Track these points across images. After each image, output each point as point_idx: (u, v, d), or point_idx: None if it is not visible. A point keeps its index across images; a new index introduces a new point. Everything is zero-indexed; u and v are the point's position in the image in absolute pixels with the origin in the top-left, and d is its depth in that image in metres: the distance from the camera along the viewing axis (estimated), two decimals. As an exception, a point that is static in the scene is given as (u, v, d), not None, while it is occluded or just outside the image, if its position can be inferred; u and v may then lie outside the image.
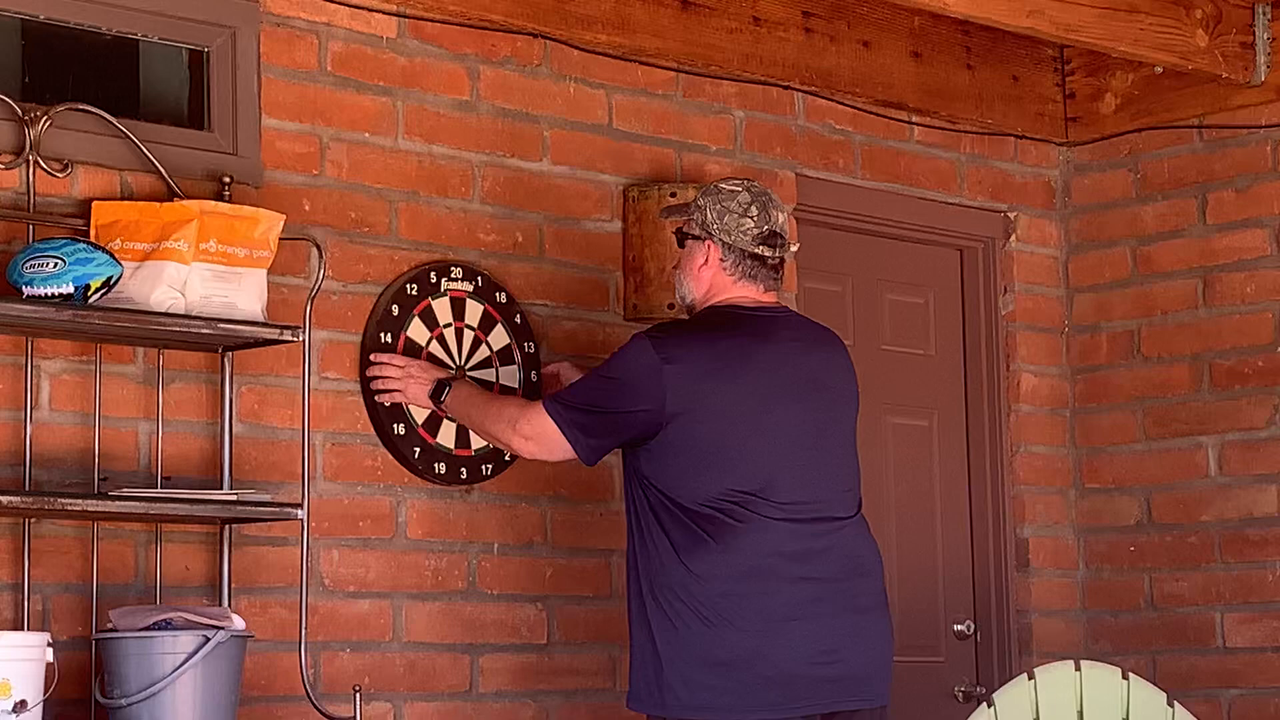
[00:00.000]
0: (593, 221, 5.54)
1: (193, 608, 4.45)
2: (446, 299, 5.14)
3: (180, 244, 4.44)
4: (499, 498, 5.27)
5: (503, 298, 5.25)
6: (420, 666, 5.09)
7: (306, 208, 4.98)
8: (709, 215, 4.65)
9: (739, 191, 4.65)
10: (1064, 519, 6.55)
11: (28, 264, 4.28)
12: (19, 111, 4.50)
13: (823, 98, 6.06)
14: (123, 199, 4.63)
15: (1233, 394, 6.24)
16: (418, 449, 5.06)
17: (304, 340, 4.64)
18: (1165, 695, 5.30)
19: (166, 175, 4.65)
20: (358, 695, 4.55)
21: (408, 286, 5.07)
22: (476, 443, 5.13)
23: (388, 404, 4.96)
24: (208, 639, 4.32)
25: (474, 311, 5.18)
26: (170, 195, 4.64)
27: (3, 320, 4.30)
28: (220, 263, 4.49)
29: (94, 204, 4.55)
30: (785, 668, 4.38)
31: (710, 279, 4.66)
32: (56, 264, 4.27)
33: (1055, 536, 6.52)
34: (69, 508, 4.30)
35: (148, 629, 4.32)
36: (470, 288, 5.17)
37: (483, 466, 5.19)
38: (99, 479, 4.54)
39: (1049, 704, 5.16)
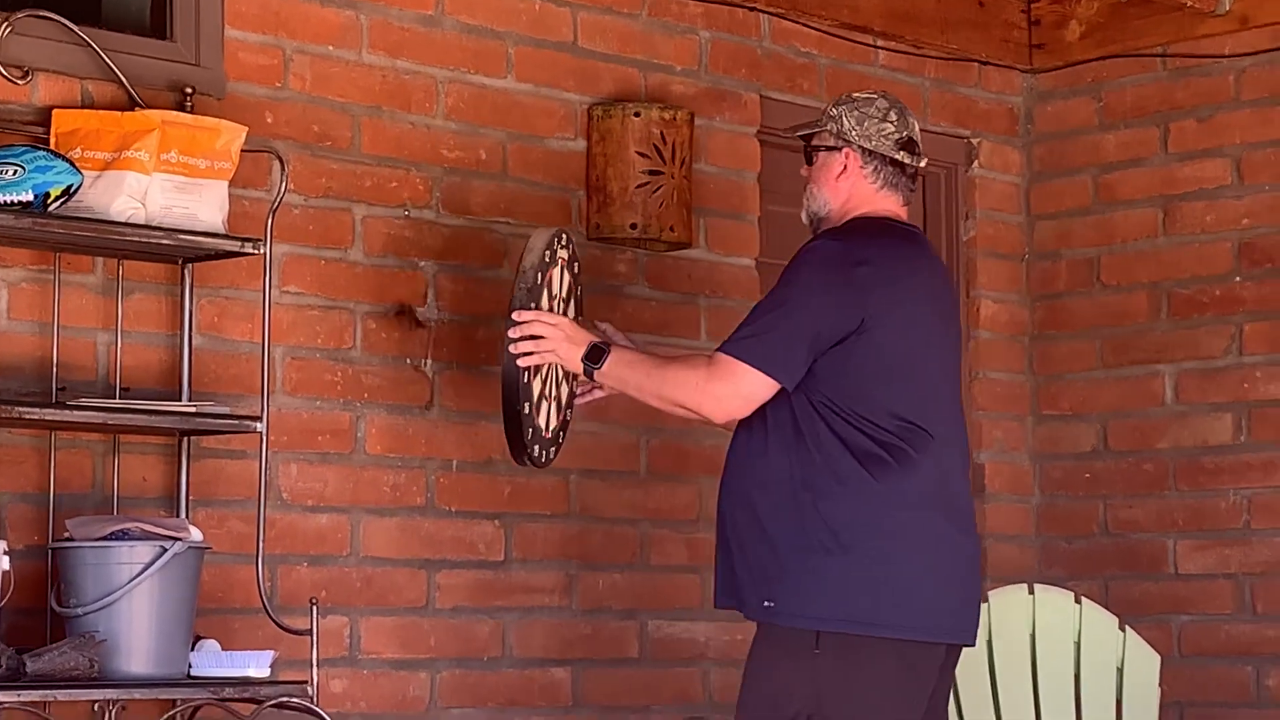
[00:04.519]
0: (556, 140, 5.53)
1: (150, 519, 4.45)
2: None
3: (141, 154, 4.42)
4: (458, 415, 5.28)
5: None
6: (377, 581, 5.11)
7: (269, 120, 4.96)
8: (846, 123, 4.40)
9: (876, 99, 4.44)
10: (1021, 445, 6.58)
11: (-13, 171, 4.26)
12: (-21, 18, 4.47)
13: (789, 20, 6.05)
14: (84, 108, 4.60)
15: (1190, 323, 6.27)
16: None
17: (265, 253, 4.62)
18: (1117, 620, 5.36)
19: (128, 85, 4.63)
20: (314, 608, 4.56)
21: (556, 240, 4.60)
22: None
23: (531, 366, 4.45)
24: (165, 550, 4.32)
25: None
26: (131, 105, 4.61)
27: (-39, 227, 4.28)
28: (181, 174, 4.47)
29: (54, 112, 4.53)
30: (943, 593, 4.23)
31: (849, 189, 4.41)
32: (16, 171, 4.24)
33: (1011, 462, 6.56)
34: (26, 416, 4.29)
35: (105, 539, 4.32)
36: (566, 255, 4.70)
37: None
38: (57, 389, 4.53)
39: (1002, 627, 5.23)
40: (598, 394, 4.62)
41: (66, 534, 4.39)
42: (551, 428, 4.60)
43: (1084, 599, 5.30)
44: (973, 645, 4.34)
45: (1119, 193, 6.44)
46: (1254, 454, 6.13)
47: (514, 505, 5.37)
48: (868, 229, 4.34)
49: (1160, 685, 5.11)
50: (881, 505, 4.17)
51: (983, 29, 6.44)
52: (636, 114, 5.50)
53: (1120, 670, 5.25)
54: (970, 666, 4.97)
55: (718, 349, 4.27)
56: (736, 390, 4.21)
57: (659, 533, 5.66)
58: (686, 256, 5.75)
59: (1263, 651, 6.06)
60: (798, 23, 6.07)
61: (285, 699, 4.50)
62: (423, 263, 5.25)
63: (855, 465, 4.17)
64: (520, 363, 4.37)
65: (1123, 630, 5.31)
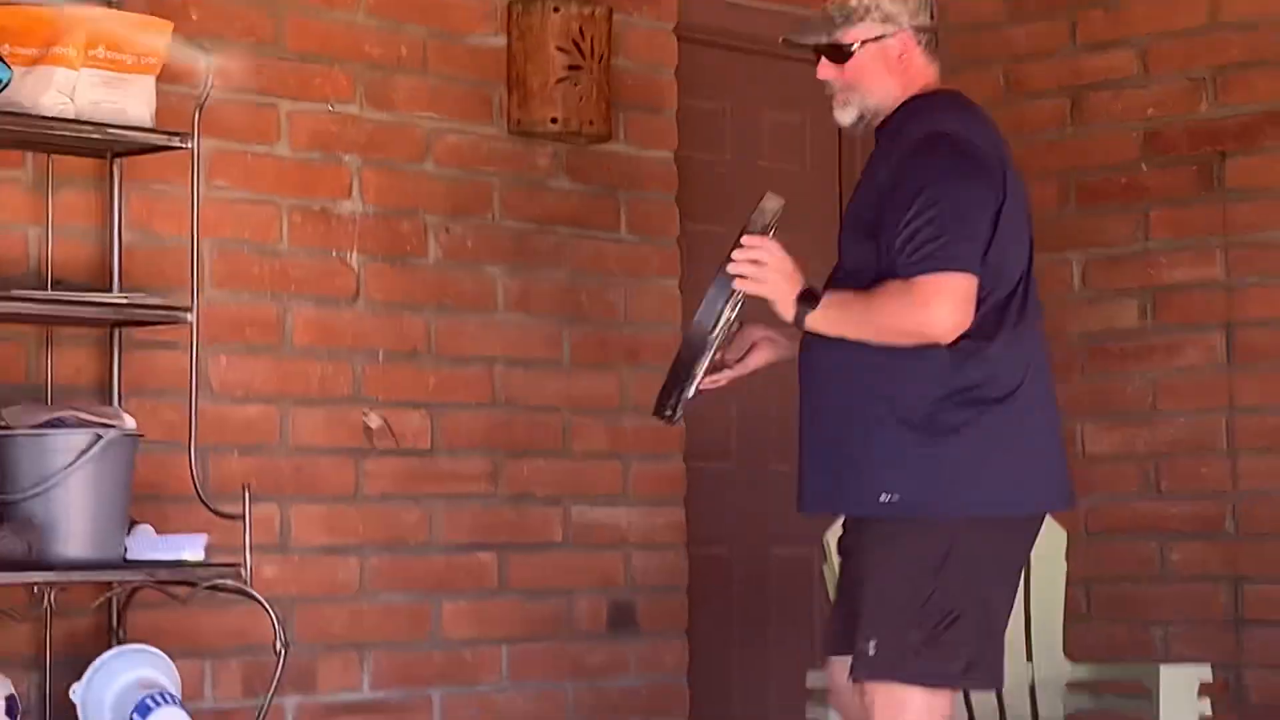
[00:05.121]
0: (477, 36, 5.62)
1: (85, 406, 4.55)
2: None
3: (68, 50, 4.47)
4: (384, 307, 5.39)
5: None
6: (306, 470, 5.22)
7: (194, 17, 5.02)
8: (889, 6, 4.17)
9: None
10: (934, 333, 6.71)
11: (-85, 68, 4.32)
12: (-97, -86, 4.51)
13: (706, -83, 6.15)
14: (9, 4, 4.65)
15: (1098, 211, 6.42)
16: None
17: (193, 148, 4.70)
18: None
19: (54, -18, 4.68)
20: (246, 493, 4.66)
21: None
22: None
23: (748, 291, 4.14)
24: (100, 437, 4.42)
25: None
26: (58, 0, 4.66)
27: (-108, 123, 4.34)
28: (109, 69, 4.53)
29: (-19, 10, 4.58)
30: (1058, 463, 4.22)
31: (910, 71, 4.20)
32: (-55, 68, 4.30)
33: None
34: (-43, 309, 4.37)
35: (40, 426, 4.42)
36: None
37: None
38: (-12, 282, 4.61)
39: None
40: (728, 376, 4.41)
41: (2, 422, 4.47)
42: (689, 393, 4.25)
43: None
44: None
45: (1028, 84, 6.57)
46: (1159, 338, 6.29)
47: (440, 395, 5.48)
48: (953, 108, 4.22)
49: (1066, 561, 5.27)
50: (1007, 367, 4.08)
51: (895, -75, 6.52)
52: (556, 9, 5.59)
53: None
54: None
55: (913, 268, 4.00)
56: (954, 301, 3.99)
57: (582, 420, 5.79)
58: (606, 150, 5.85)
59: (1167, 528, 6.25)
60: (719, -80, 6.16)
61: (219, 581, 4.62)
62: (347, 157, 5.34)
63: (975, 340, 4.05)
64: (736, 284, 4.08)
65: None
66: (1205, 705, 4.84)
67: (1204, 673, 4.86)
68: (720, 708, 6.17)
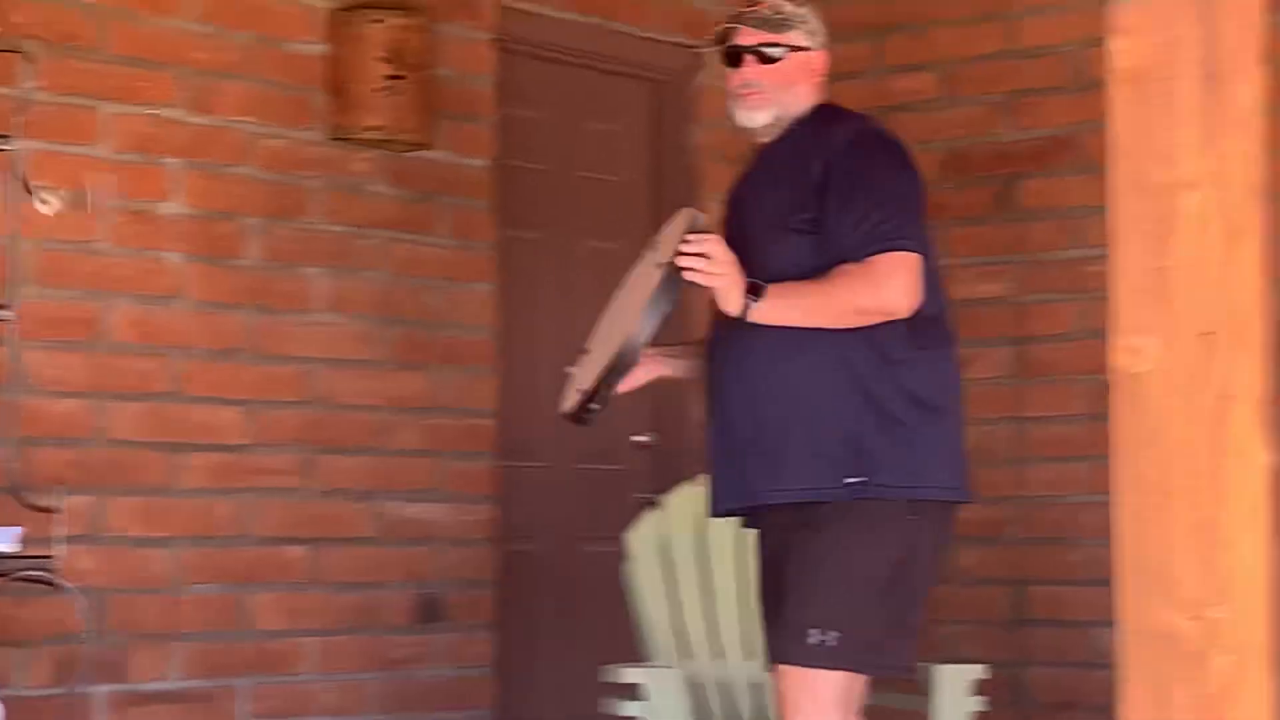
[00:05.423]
0: (300, 43, 5.76)
1: (-99, 401, 4.65)
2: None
3: (-109, 53, 4.57)
4: (203, 306, 5.52)
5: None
6: (123, 463, 5.35)
7: (17, 20, 5.13)
8: (814, 24, 4.38)
9: None
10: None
11: None
12: None
13: (527, -68, 6.31)
14: None
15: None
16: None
17: (14, 149, 4.81)
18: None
19: (-121, -15, 4.79)
20: (61, 487, 4.76)
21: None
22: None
23: (700, 283, 4.14)
24: (-85, 431, 4.53)
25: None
26: (-117, 5, 4.77)
27: None
28: (-69, 73, 4.63)
29: None
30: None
31: (818, 87, 4.41)
32: None
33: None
34: None
35: None
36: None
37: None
38: None
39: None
40: (653, 373, 4.40)
41: None
42: (585, 388, 4.21)
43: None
44: None
45: (837, 103, 6.78)
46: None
47: (256, 392, 5.63)
48: (868, 116, 4.41)
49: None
50: (952, 370, 4.28)
51: (712, -56, 6.73)
52: (378, 20, 5.75)
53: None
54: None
55: (871, 252, 4.12)
56: (910, 276, 4.12)
57: (396, 419, 5.95)
58: (424, 157, 6.01)
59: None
60: (536, -65, 6.33)
61: (31, 572, 4.74)
62: (168, 160, 5.47)
63: (928, 335, 4.22)
64: (686, 275, 4.06)
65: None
66: (979, 702, 5.07)
67: (978, 671, 5.09)
68: (526, 700, 6.33)
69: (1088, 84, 6.17)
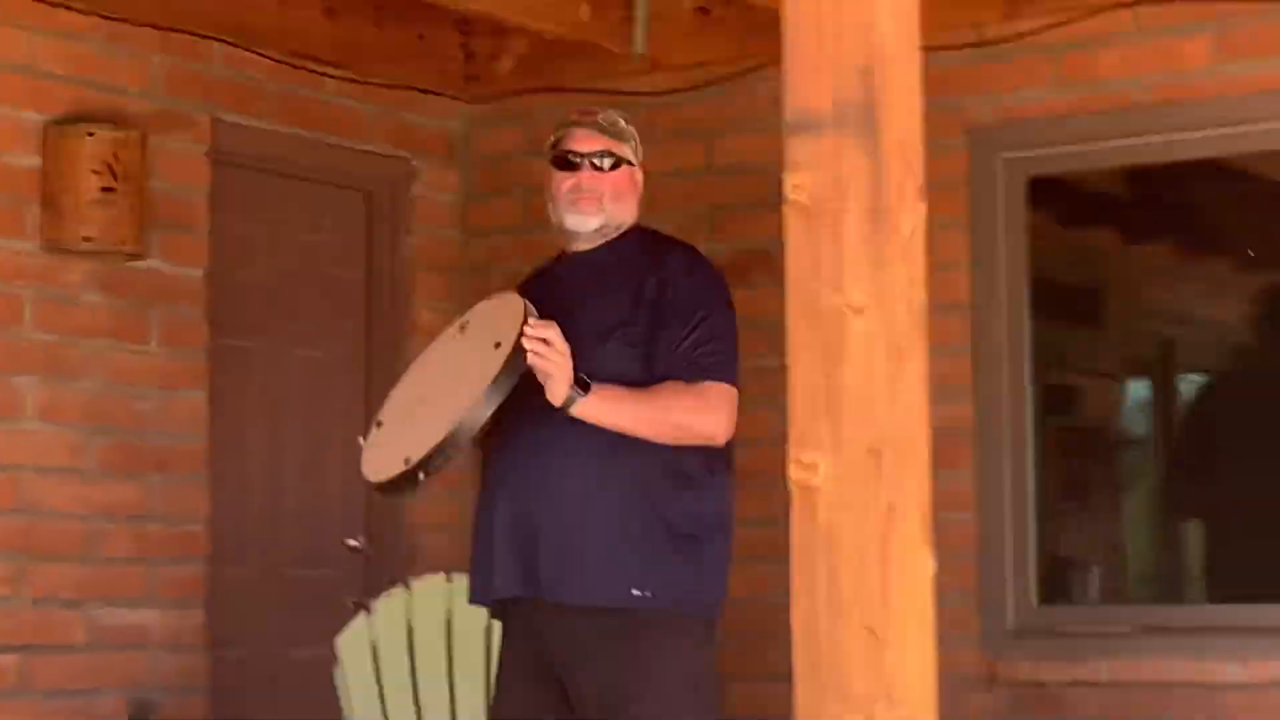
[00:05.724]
0: (13, 156, 5.83)
1: None
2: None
3: None
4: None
5: None
6: None
7: None
8: (638, 144, 4.56)
9: None
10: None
11: None
12: None
13: (242, 48, 6.42)
14: None
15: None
16: None
17: None
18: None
19: None
20: None
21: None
22: None
23: (539, 368, 4.23)
24: None
25: None
26: None
27: None
28: None
29: None
30: None
31: (639, 203, 4.57)
32: None
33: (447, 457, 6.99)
34: None
35: None
36: None
37: None
38: None
39: (422, 611, 5.65)
40: None
41: None
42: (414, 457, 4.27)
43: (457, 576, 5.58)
44: None
45: (544, 214, 6.97)
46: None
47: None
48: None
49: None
50: (729, 495, 4.49)
51: (422, 60, 6.90)
52: (91, 134, 5.83)
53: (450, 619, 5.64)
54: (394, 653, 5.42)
55: (705, 379, 4.36)
56: (732, 409, 4.39)
57: (107, 527, 5.99)
58: (139, 268, 6.08)
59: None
60: (250, 50, 6.44)
61: None
62: (-122, 271, 5.50)
63: (719, 458, 4.44)
64: (529, 359, 4.19)
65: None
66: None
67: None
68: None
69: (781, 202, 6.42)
